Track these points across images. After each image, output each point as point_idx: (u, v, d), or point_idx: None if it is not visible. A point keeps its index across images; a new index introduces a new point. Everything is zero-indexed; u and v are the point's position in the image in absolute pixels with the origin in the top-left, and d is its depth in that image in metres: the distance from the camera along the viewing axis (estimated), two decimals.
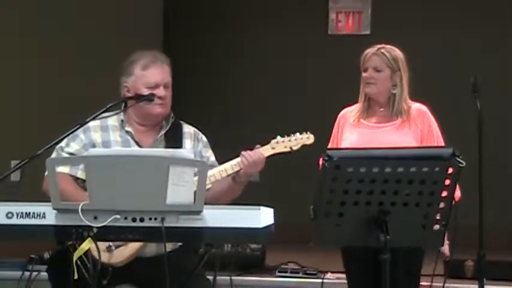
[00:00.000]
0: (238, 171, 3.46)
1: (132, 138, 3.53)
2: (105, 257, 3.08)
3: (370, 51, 3.82)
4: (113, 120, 3.54)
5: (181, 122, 3.65)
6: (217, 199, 3.31)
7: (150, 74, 3.51)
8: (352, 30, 7.52)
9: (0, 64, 5.89)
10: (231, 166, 3.47)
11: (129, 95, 3.52)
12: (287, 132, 3.60)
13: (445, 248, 3.64)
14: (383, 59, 3.78)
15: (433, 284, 4.12)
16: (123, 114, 3.54)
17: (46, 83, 5.99)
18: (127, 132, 3.53)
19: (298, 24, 7.49)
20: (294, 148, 3.55)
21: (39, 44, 5.98)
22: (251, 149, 3.50)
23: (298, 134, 3.58)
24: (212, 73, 7.57)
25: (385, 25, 7.23)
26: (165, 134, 3.55)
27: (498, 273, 4.65)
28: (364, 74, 3.81)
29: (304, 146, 3.57)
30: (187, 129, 3.63)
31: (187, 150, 3.42)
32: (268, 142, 3.54)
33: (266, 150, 3.51)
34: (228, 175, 3.47)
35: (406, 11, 7.37)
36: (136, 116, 3.54)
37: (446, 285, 3.89)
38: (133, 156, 2.93)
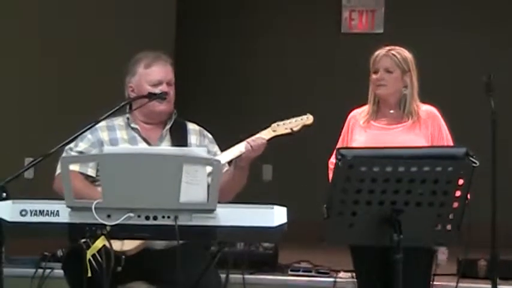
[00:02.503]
0: (240, 155, 3.50)
1: (139, 134, 3.60)
2: (117, 246, 3.08)
3: (380, 52, 3.82)
4: (118, 121, 3.62)
5: (186, 121, 3.72)
6: (223, 190, 3.31)
7: (153, 72, 3.59)
8: (365, 28, 7.51)
9: (21, 62, 5.91)
10: (234, 153, 3.51)
11: (134, 94, 3.60)
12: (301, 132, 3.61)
13: (442, 253, 3.64)
14: (394, 60, 3.78)
15: (446, 283, 4.12)
16: (128, 113, 3.62)
17: (65, 81, 6.01)
18: (133, 129, 3.60)
19: (311, 23, 7.48)
20: (295, 129, 3.58)
21: (58, 42, 6.00)
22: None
23: (297, 116, 3.62)
24: (224, 73, 7.58)
25: (398, 24, 7.22)
26: (170, 130, 3.63)
27: (511, 272, 4.63)
28: (374, 76, 3.81)
29: (304, 127, 3.59)
30: (192, 126, 3.70)
31: (200, 148, 3.45)
32: (269, 126, 3.57)
33: (267, 133, 3.56)
34: (231, 160, 3.51)
35: (419, 10, 7.35)
36: (141, 114, 3.62)
37: (459, 284, 3.88)
38: (147, 155, 2.94)
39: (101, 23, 6.17)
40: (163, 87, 3.57)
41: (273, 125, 3.59)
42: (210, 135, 3.70)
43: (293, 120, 3.60)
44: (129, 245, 3.34)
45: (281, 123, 3.59)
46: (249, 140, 3.51)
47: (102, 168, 2.92)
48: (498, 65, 6.80)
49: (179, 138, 3.61)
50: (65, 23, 6.04)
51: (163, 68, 3.61)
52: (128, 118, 3.62)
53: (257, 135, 3.53)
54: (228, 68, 7.59)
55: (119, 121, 3.62)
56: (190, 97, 7.40)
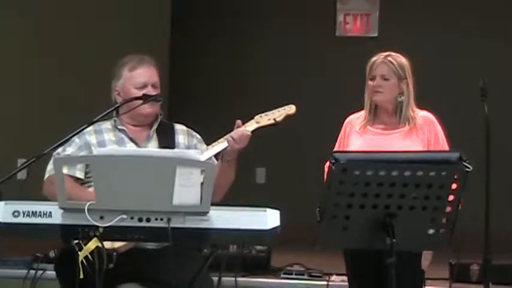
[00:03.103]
0: (225, 148, 3.52)
1: (126, 135, 3.63)
2: (108, 243, 3.08)
3: (377, 59, 3.81)
4: (106, 124, 3.65)
5: (174, 123, 3.75)
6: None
7: (138, 75, 3.63)
8: (359, 32, 7.51)
9: (3, 61, 5.90)
10: (218, 147, 3.53)
11: (120, 98, 3.64)
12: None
13: (424, 261, 3.64)
14: (390, 68, 3.78)
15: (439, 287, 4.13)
16: (115, 117, 3.64)
17: (62, 81, 6.00)
18: (120, 130, 3.63)
19: (306, 26, 7.49)
20: (278, 119, 3.59)
21: (40, 42, 5.98)
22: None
23: (279, 107, 3.63)
24: (220, 74, 7.58)
25: (393, 27, 7.23)
26: (156, 131, 3.65)
27: (504, 277, 4.64)
28: (370, 83, 3.81)
29: (287, 117, 3.60)
30: (180, 127, 3.73)
31: (194, 151, 3.45)
32: (252, 118, 3.59)
33: (251, 125, 3.57)
34: (217, 153, 3.53)
35: (414, 14, 7.36)
36: (127, 116, 3.64)
37: None
38: (140, 157, 2.94)
39: (101, 23, 6.17)
40: (148, 90, 3.60)
41: (256, 116, 3.60)
42: (198, 135, 3.73)
43: (276, 111, 3.62)
44: (120, 242, 3.33)
45: (264, 114, 3.61)
46: (231, 133, 3.53)
47: (95, 169, 2.91)
48: (493, 69, 6.82)
49: (166, 138, 3.64)
50: (65, 23, 6.03)
51: (148, 71, 3.64)
52: (115, 120, 3.65)
53: (240, 128, 3.54)
54: (224, 69, 7.59)
55: (106, 125, 3.65)
56: (187, 97, 7.41)
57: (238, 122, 3.56)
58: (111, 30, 6.22)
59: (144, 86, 3.60)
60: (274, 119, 3.59)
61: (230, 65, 7.58)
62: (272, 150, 7.30)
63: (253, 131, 3.55)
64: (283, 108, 3.62)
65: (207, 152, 3.53)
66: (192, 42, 7.53)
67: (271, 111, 3.62)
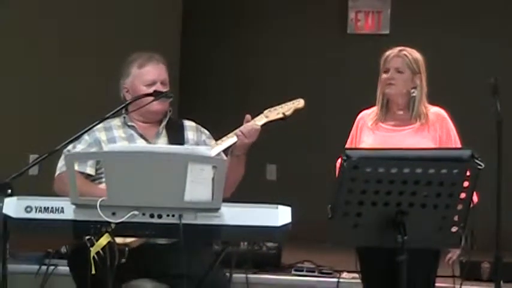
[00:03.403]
0: (235, 143, 3.52)
1: (136, 132, 3.64)
2: (120, 239, 3.09)
3: (391, 52, 3.82)
4: (115, 121, 3.66)
5: (183, 119, 3.76)
6: None
7: (147, 72, 3.64)
8: (371, 29, 7.49)
9: (22, 58, 5.92)
10: (228, 142, 3.54)
11: (129, 95, 3.65)
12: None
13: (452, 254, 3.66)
14: (405, 61, 3.78)
15: (449, 285, 4.12)
16: (125, 113, 3.66)
17: (66, 79, 6.01)
18: (130, 127, 3.64)
19: (317, 23, 7.48)
20: (287, 113, 3.60)
21: (59, 35, 6.01)
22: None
23: (288, 101, 3.64)
24: (230, 73, 7.58)
25: (405, 25, 7.21)
26: (166, 127, 3.67)
27: None
28: (384, 75, 3.80)
29: (296, 111, 3.61)
30: (189, 123, 3.74)
31: (205, 147, 3.45)
32: (261, 112, 3.60)
33: (260, 119, 3.58)
34: (226, 148, 3.53)
35: (425, 11, 7.34)
36: (137, 114, 3.65)
37: (462, 287, 3.87)
38: (152, 153, 2.94)
39: (102, 23, 6.19)
40: (157, 87, 3.61)
41: (265, 111, 3.61)
42: (207, 132, 3.74)
43: (284, 105, 3.63)
44: (131, 238, 3.34)
45: (273, 108, 3.62)
46: (240, 127, 3.54)
47: (107, 166, 2.92)
48: (506, 66, 6.79)
49: (176, 134, 3.65)
50: (65, 23, 6.04)
51: (157, 68, 3.65)
52: (124, 117, 3.66)
53: (250, 123, 3.55)
54: (234, 68, 7.58)
55: (116, 121, 3.66)
56: (196, 94, 7.42)
57: (248, 116, 3.57)
58: (111, 30, 6.23)
59: (153, 83, 3.62)
60: (283, 113, 3.59)
61: (240, 63, 7.57)
62: (283, 146, 7.30)
63: (262, 125, 3.56)
64: (291, 102, 3.63)
65: (216, 147, 3.53)
66: (201, 40, 7.53)
67: (280, 106, 3.62)
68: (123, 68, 3.70)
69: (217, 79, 7.58)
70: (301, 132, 7.19)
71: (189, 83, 7.25)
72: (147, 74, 3.63)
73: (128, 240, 3.31)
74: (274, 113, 3.60)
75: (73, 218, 2.88)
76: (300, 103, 3.63)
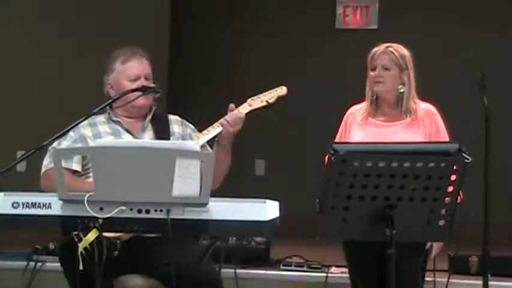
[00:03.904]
0: (220, 132, 3.54)
1: (121, 126, 3.65)
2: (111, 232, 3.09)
3: (378, 49, 3.82)
4: (99, 117, 3.66)
5: (167, 114, 3.78)
6: None
7: (130, 67, 3.65)
8: (359, 24, 7.50)
9: (4, 53, 5.90)
10: (214, 131, 3.54)
11: (113, 91, 3.66)
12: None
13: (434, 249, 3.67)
14: (392, 57, 3.79)
15: (438, 279, 4.12)
16: (109, 109, 3.66)
17: (48, 74, 6.00)
18: (115, 122, 3.65)
19: (305, 18, 7.48)
20: (270, 101, 3.62)
21: (41, 30, 6.00)
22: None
23: (271, 89, 3.67)
24: (219, 68, 7.57)
25: (393, 20, 7.22)
26: (151, 122, 3.68)
27: (503, 269, 4.64)
28: (372, 73, 3.81)
29: (280, 98, 3.63)
30: (173, 117, 3.76)
31: (193, 142, 3.46)
32: (244, 101, 3.61)
33: (244, 108, 3.60)
34: (211, 138, 3.54)
35: (413, 6, 7.35)
36: (122, 109, 3.65)
37: (450, 280, 3.88)
38: (139, 148, 2.94)
39: (119, 23, 6.18)
40: (141, 82, 3.62)
41: (248, 100, 3.63)
42: (191, 125, 3.75)
43: (267, 93, 3.65)
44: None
45: (256, 97, 3.64)
46: (225, 117, 3.55)
47: (95, 161, 2.91)
48: (494, 62, 6.81)
49: (161, 128, 3.66)
50: (65, 23, 6.03)
51: (140, 63, 3.66)
52: (109, 113, 3.67)
53: (234, 111, 3.57)
54: (223, 62, 7.58)
55: (100, 118, 3.66)
56: (186, 91, 7.41)
57: (232, 105, 3.59)
58: (111, 29, 6.23)
59: (137, 78, 3.63)
60: (267, 101, 3.61)
61: (227, 59, 7.57)
62: (271, 142, 7.31)
63: (247, 114, 3.58)
64: (274, 90, 3.65)
65: (203, 138, 3.55)
66: (190, 26, 7.52)
67: (263, 94, 3.64)
68: (107, 64, 3.71)
69: (206, 75, 7.57)
70: (289, 128, 7.20)
71: (178, 78, 7.24)
72: (131, 69, 3.64)
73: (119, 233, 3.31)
74: (258, 101, 3.62)
75: (60, 213, 2.87)
76: (282, 90, 3.65)
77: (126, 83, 3.63)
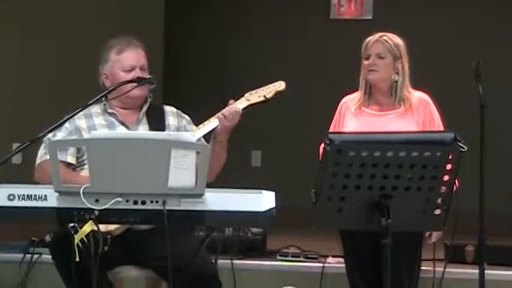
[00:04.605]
0: (216, 127, 3.50)
1: (116, 119, 3.62)
2: (102, 227, 3.08)
3: (372, 38, 3.82)
4: (95, 108, 3.63)
5: (163, 105, 3.74)
6: None
7: (125, 58, 3.62)
8: (354, 15, 7.49)
9: (1, 46, 5.89)
10: (210, 125, 3.51)
11: (108, 82, 3.63)
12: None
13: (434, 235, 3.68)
14: (386, 46, 3.79)
15: (434, 268, 4.13)
16: (105, 101, 3.63)
17: (46, 68, 6.00)
18: (110, 114, 3.63)
19: (300, 9, 7.47)
20: (268, 96, 3.58)
21: (39, 25, 5.99)
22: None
23: (269, 84, 3.63)
24: (212, 55, 7.56)
25: (388, 10, 7.21)
26: (146, 113, 3.65)
27: (498, 258, 4.65)
28: (365, 62, 3.81)
29: (277, 93, 3.59)
30: (169, 108, 3.73)
31: (189, 133, 3.45)
32: (242, 96, 3.58)
33: (241, 102, 3.56)
34: (208, 132, 3.51)
35: None
36: (117, 100, 3.62)
37: (446, 269, 3.89)
38: (135, 139, 2.94)
39: (101, 22, 6.17)
40: (136, 72, 3.59)
41: (246, 94, 3.60)
42: (187, 117, 3.72)
43: (265, 88, 3.61)
44: (113, 225, 3.33)
45: (254, 91, 3.60)
46: (222, 111, 3.52)
47: (90, 152, 2.91)
48: (490, 51, 6.81)
49: (156, 120, 3.64)
50: (65, 23, 6.03)
51: (135, 53, 3.64)
52: (104, 105, 3.64)
53: (231, 105, 3.53)
54: (217, 53, 7.57)
55: (95, 109, 3.63)
56: (181, 85, 7.40)
57: (231, 101, 3.55)
58: (110, 27, 6.22)
59: (132, 69, 3.61)
60: (264, 96, 3.58)
61: (224, 46, 7.56)
62: (268, 133, 7.30)
63: (244, 109, 3.55)
64: (272, 84, 3.62)
65: (198, 131, 3.52)
66: (185, 22, 7.51)
67: (261, 88, 3.61)
68: (102, 54, 3.68)
69: (198, 61, 7.56)
70: (285, 119, 7.20)
71: (172, 64, 7.24)
72: (126, 60, 3.62)
73: (110, 227, 3.31)
74: (256, 96, 3.59)
75: (56, 205, 2.87)
76: (281, 85, 3.62)
77: (121, 74, 3.60)
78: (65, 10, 6.08)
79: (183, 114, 3.73)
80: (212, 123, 3.52)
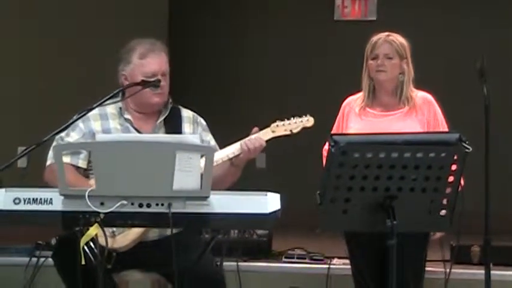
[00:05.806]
0: (238, 155, 3.46)
1: (132, 125, 3.54)
2: (108, 243, 3.09)
3: (379, 38, 3.81)
4: (111, 108, 3.55)
5: (180, 106, 3.66)
6: (216, 184, 3.28)
7: (148, 63, 3.51)
8: (358, 16, 7.49)
9: (4, 51, 5.90)
10: (232, 152, 3.47)
11: (127, 83, 3.53)
12: (289, 116, 3.60)
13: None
14: (394, 46, 3.79)
15: (439, 269, 4.13)
16: (121, 101, 3.55)
17: (48, 70, 6.01)
18: (126, 119, 3.55)
19: (304, 10, 7.47)
20: (294, 131, 3.55)
21: (40, 26, 6.00)
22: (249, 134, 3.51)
23: (297, 117, 3.58)
24: (215, 56, 7.56)
25: (391, 11, 7.21)
26: (164, 119, 3.57)
27: (505, 258, 4.65)
28: (372, 62, 3.79)
29: (304, 129, 3.57)
30: (186, 113, 3.65)
31: (193, 135, 3.44)
32: (268, 126, 3.54)
33: (266, 134, 3.52)
34: (229, 159, 3.47)
35: None
36: (134, 104, 3.56)
37: (452, 270, 3.88)
38: (140, 142, 2.94)
39: (101, 22, 6.18)
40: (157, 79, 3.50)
41: (272, 124, 3.54)
42: (203, 122, 3.66)
43: (293, 121, 3.56)
44: (122, 242, 3.33)
45: (281, 123, 3.55)
46: (246, 140, 3.46)
47: (95, 156, 2.91)
48: (493, 50, 6.79)
49: (173, 128, 3.55)
50: (65, 23, 6.03)
51: (158, 59, 3.52)
52: (120, 108, 3.55)
53: (255, 135, 3.48)
54: (221, 53, 7.56)
55: (111, 108, 3.55)
56: (185, 87, 7.40)
57: (256, 129, 3.50)
58: (111, 28, 6.23)
59: (153, 75, 3.49)
60: (291, 130, 3.55)
61: (227, 46, 7.55)
62: None
63: (267, 141, 3.50)
64: (300, 119, 3.57)
65: (217, 153, 3.43)
66: (189, 22, 7.51)
67: (288, 121, 3.55)
68: (123, 54, 3.56)
69: (205, 65, 7.56)
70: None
71: (176, 79, 7.24)
72: (149, 66, 3.50)
73: (116, 245, 3.29)
74: (282, 129, 3.53)
75: (62, 209, 2.87)
76: (309, 121, 3.57)
77: (141, 79, 3.48)
78: (65, 10, 6.08)
79: (199, 120, 3.65)
80: (234, 150, 3.45)
